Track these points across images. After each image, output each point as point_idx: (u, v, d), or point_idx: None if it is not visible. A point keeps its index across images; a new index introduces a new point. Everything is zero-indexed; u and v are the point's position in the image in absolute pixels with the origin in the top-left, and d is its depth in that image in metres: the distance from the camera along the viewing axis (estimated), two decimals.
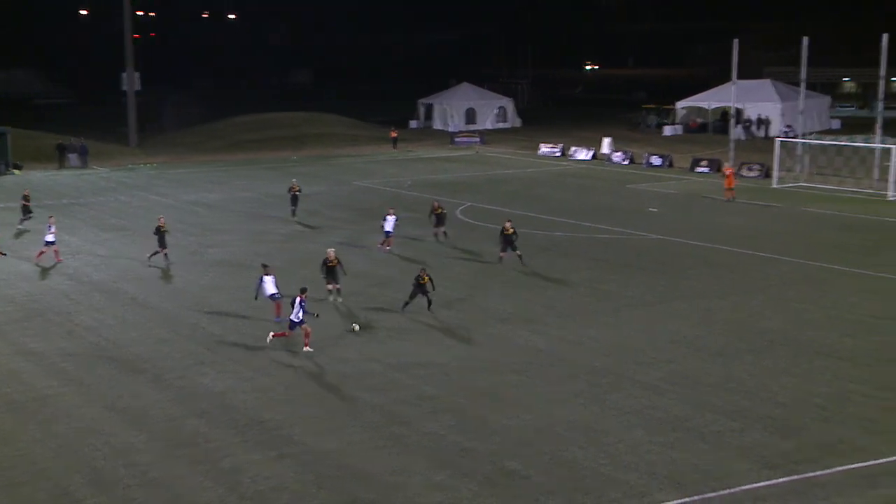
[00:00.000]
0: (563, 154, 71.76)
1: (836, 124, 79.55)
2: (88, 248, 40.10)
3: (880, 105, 58.74)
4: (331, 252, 31.21)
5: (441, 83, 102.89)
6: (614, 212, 47.28)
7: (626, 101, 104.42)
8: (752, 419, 21.42)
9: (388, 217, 38.40)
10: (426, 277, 29.55)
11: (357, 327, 27.93)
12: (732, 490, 18.19)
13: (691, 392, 23.14)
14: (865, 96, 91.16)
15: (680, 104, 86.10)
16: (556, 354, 26.04)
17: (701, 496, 17.98)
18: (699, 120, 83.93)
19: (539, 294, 32.31)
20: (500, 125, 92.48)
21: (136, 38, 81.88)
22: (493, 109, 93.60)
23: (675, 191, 54.51)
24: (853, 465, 19.04)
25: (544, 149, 73.73)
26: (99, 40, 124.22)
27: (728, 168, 52.81)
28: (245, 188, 57.43)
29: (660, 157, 65.72)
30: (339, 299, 31.04)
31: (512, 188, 56.02)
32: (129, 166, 68.62)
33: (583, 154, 70.44)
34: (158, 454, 20.00)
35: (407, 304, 29.77)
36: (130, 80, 79.47)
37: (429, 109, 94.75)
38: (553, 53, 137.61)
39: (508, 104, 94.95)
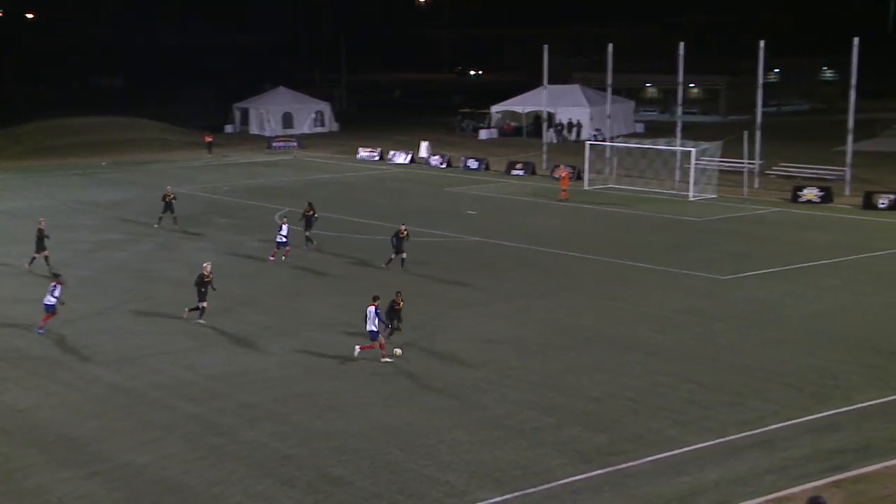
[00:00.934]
0: (382, 158, 72.03)
1: (640, 128, 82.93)
2: None
3: (679, 110, 61.69)
4: (207, 267, 29.63)
5: (256, 87, 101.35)
6: (433, 215, 47.77)
7: (442, 106, 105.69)
8: (568, 415, 22.04)
9: (283, 226, 37.20)
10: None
11: (399, 351, 26.23)
12: (550, 485, 18.66)
13: (510, 390, 23.61)
14: (666, 102, 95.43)
15: (495, 108, 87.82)
16: (370, 357, 26.02)
17: (521, 492, 18.35)
18: (513, 124, 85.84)
19: (358, 298, 32.19)
20: (318, 130, 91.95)
21: None
22: (310, 114, 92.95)
23: (493, 193, 55.59)
24: (662, 455, 19.86)
25: (363, 153, 73.78)
26: None
27: (563, 171, 54.34)
28: (51, 195, 54.92)
29: (476, 160, 66.87)
30: (202, 320, 29.10)
31: (331, 192, 55.76)
32: None
33: (401, 158, 70.89)
34: None
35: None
36: None
37: (244, 114, 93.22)
38: (370, 58, 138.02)
39: (326, 108, 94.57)
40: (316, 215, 39.95)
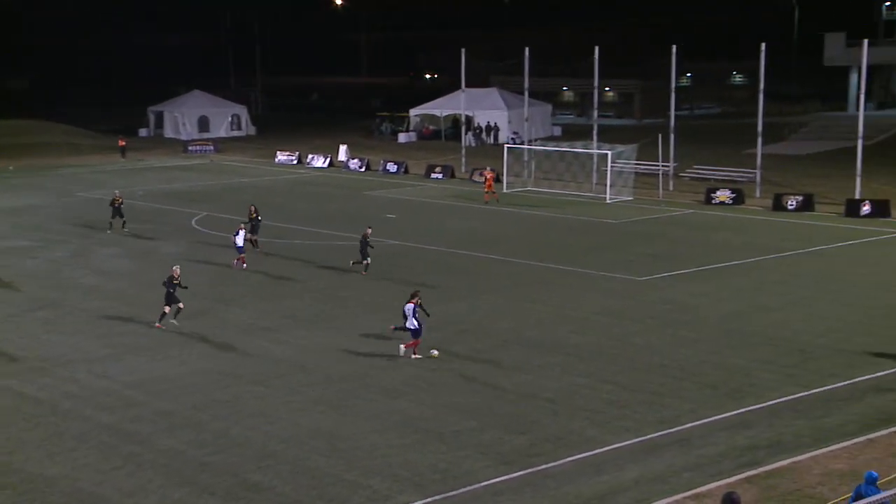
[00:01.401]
0: (300, 162, 71.60)
1: (557, 131, 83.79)
2: None
3: (595, 113, 62.52)
4: (176, 269, 29.37)
5: (170, 90, 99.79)
6: (353, 219, 47.58)
7: (361, 109, 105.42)
8: (488, 417, 22.14)
9: (240, 231, 36.70)
10: (419, 301, 27.00)
11: (436, 353, 26.15)
12: (471, 487, 18.71)
13: (430, 394, 23.63)
14: (583, 105, 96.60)
15: (413, 112, 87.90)
16: (296, 363, 25.87)
17: (441, 496, 18.38)
18: (432, 127, 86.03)
19: (278, 303, 32.01)
20: (235, 133, 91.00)
21: None
22: (226, 117, 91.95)
23: (412, 197, 55.62)
24: (581, 455, 20.06)
25: (281, 157, 73.27)
26: None
27: (488, 172, 54.70)
28: None
29: (395, 163, 66.85)
30: (175, 322, 28.85)
31: (249, 197, 55.16)
32: None
33: (320, 162, 70.54)
34: None
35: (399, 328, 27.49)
36: None
37: (159, 117, 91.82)
38: (287, 61, 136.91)
39: (242, 112, 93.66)
40: (260, 218, 39.78)
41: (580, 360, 26.03)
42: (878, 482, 15.59)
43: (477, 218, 48.75)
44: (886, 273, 35.35)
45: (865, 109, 51.59)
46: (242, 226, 37.46)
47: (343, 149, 72.27)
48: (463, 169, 64.59)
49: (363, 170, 67.54)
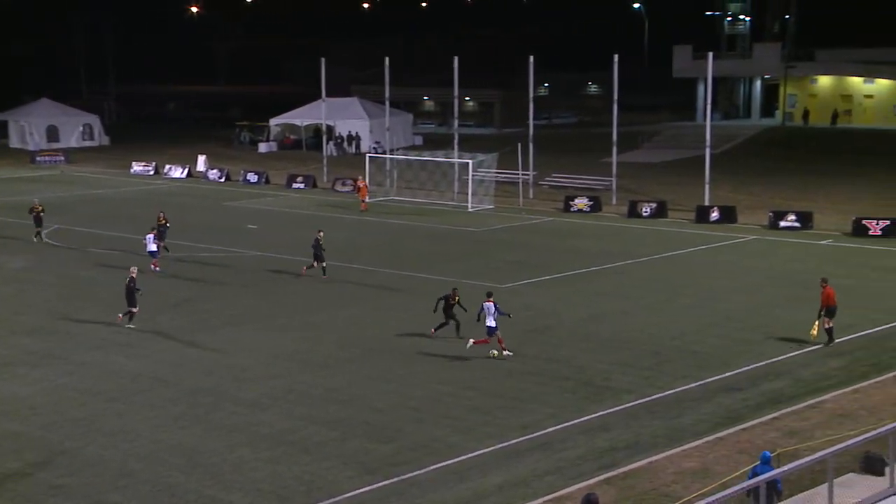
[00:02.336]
0: (157, 172, 69.94)
1: (419, 140, 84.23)
2: None
3: (456, 123, 63.15)
4: (133, 269, 30.51)
5: (15, 98, 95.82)
6: (213, 230, 46.76)
7: (220, 119, 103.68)
8: (353, 427, 22.08)
9: (149, 236, 37.12)
10: (457, 298, 28.11)
11: (495, 353, 26.41)
12: (336, 498, 18.64)
13: (295, 406, 23.42)
14: (444, 114, 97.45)
15: (273, 121, 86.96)
16: (156, 377, 25.25)
17: None
18: (293, 137, 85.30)
19: (137, 317, 31.16)
20: (87, 143, 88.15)
21: None
22: (77, 127, 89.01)
23: (274, 207, 55.01)
24: (445, 462, 20.22)
25: (137, 167, 71.43)
26: None
27: (361, 181, 54.61)
28: None
29: (256, 174, 66.03)
30: (132, 325, 29.78)
31: (104, 209, 53.66)
32: None
33: (178, 172, 69.07)
34: None
35: (441, 326, 28.32)
36: None
37: (3, 126, 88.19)
38: (141, 69, 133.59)
39: (95, 121, 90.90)
40: (168, 224, 40.55)
41: (444, 368, 26.22)
42: (770, 461, 16.66)
43: (340, 228, 48.55)
44: (734, 277, 36.83)
45: (712, 119, 53.72)
46: (152, 231, 37.95)
47: (202, 159, 70.95)
48: (325, 179, 64.26)
49: (223, 180, 66.45)
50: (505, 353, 26.67)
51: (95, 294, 34.22)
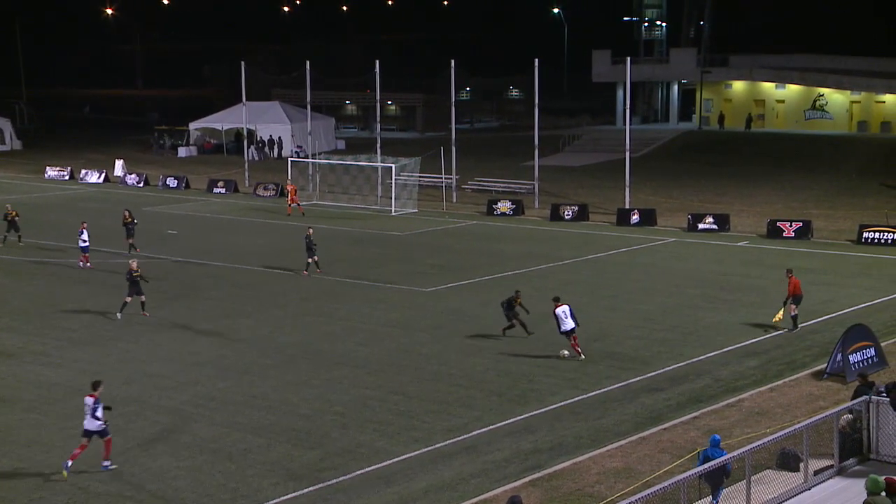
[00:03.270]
0: (73, 177, 68.57)
1: (341, 144, 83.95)
2: None
3: (378, 127, 63.10)
4: (133, 263, 31.48)
5: None
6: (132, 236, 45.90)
7: (138, 123, 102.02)
8: (277, 433, 21.91)
9: (83, 231, 38.09)
10: (520, 300, 28.68)
11: (566, 353, 26.63)
12: None
13: (217, 413, 23.15)
14: (366, 118, 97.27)
15: (193, 125, 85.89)
16: (74, 387, 24.69)
17: None
18: (213, 141, 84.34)
19: (52, 325, 30.53)
20: None
21: None
22: None
23: (194, 212, 54.29)
24: (372, 468, 20.18)
25: (51, 172, 69.98)
26: None
27: (290, 185, 54.21)
28: None
29: (176, 178, 65.14)
30: (146, 313, 31.09)
31: (19, 213, 52.25)
32: None
33: (94, 177, 67.83)
34: None
35: (508, 328, 28.79)
36: None
37: None
38: (54, 72, 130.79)
39: (6, 125, 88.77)
40: (136, 221, 41.57)
41: (369, 373, 26.17)
42: (719, 444, 17.42)
43: (261, 233, 48.16)
44: (654, 278, 37.41)
45: (631, 124, 54.53)
46: (85, 223, 38.75)
47: (119, 163, 69.80)
48: (247, 183, 63.67)
49: (141, 185, 65.42)
50: (580, 356, 26.86)
51: (5, 302, 33.38)
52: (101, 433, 19.73)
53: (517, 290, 29.63)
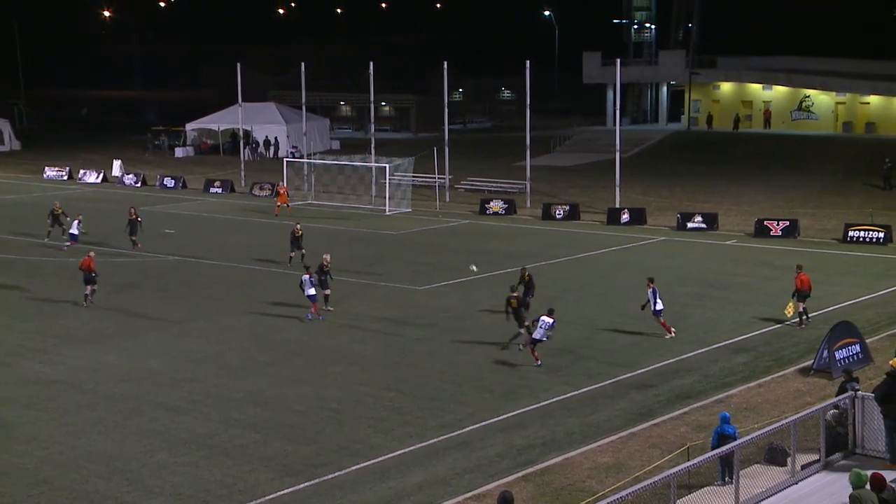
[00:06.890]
0: (72, 177, 68.86)
1: (336, 145, 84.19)
2: None
3: (372, 127, 63.44)
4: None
5: None
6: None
7: (135, 123, 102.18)
8: (273, 429, 22.27)
9: (76, 222, 39.81)
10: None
11: (475, 268, 28.63)
12: (257, 501, 18.84)
13: (214, 409, 23.51)
14: (360, 119, 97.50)
15: (190, 126, 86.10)
16: (72, 384, 25.08)
17: None
18: (210, 141, 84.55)
19: (50, 322, 30.86)
20: None
21: None
22: None
23: (191, 211, 54.59)
24: (366, 463, 20.54)
25: (50, 172, 70.26)
26: None
27: (281, 186, 54.60)
28: None
29: (173, 178, 65.46)
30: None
31: (17, 213, 52.66)
32: None
33: (92, 177, 68.14)
34: None
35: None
36: None
37: None
38: (53, 72, 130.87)
39: (5, 126, 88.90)
40: (141, 220, 42.36)
41: (363, 369, 26.53)
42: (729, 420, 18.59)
43: (257, 232, 48.48)
44: (644, 277, 37.71)
45: (621, 124, 54.91)
46: (80, 216, 41.41)
47: (117, 164, 70.05)
48: (242, 183, 63.97)
49: (139, 185, 65.71)
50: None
51: (3, 301, 33.69)
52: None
53: (512, 286, 29.55)
